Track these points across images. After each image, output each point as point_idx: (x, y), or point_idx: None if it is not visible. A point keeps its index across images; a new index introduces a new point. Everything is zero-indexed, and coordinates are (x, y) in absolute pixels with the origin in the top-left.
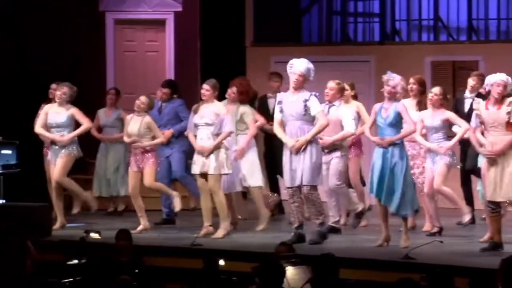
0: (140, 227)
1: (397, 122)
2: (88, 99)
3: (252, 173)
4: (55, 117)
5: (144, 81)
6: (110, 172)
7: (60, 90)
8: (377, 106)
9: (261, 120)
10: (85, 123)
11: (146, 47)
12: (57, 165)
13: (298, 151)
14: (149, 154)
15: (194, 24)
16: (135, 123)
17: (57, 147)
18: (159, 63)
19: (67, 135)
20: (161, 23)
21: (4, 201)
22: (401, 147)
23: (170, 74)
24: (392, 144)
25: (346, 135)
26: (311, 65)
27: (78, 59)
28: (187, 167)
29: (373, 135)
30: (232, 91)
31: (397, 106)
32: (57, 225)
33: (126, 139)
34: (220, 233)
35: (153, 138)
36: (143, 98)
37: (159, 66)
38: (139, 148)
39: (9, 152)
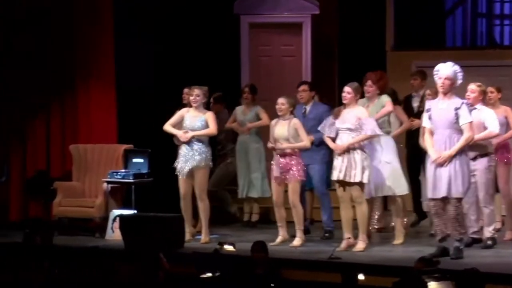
0: (279, 238)
1: None
2: (222, 105)
3: (396, 181)
4: (192, 121)
5: (279, 87)
6: (249, 174)
7: (193, 94)
8: None
9: (405, 122)
10: (212, 128)
11: (282, 51)
12: (196, 181)
13: (441, 165)
14: (295, 168)
15: (331, 27)
16: (282, 126)
17: (189, 154)
18: (295, 68)
19: (190, 133)
20: (297, 26)
21: (135, 211)
22: None
23: (306, 79)
24: None
25: (490, 135)
26: (457, 67)
27: (212, 64)
28: (328, 182)
29: None
30: (369, 84)
31: None
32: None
33: (269, 144)
34: (360, 246)
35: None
36: (281, 100)
37: (295, 71)
38: (285, 158)
39: (141, 160)
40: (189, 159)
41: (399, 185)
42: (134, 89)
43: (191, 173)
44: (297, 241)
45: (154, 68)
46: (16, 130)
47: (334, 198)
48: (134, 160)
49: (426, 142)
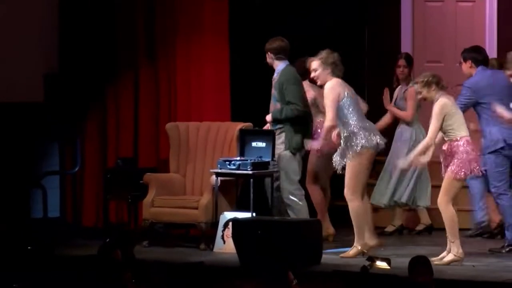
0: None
1: None
2: (378, 68)
3: None
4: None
5: (454, 44)
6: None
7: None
8: None
9: None
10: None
11: None
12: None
13: None
14: (458, 159)
15: None
16: None
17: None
18: (476, 18)
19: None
20: None
21: (254, 214)
22: None
23: (490, 34)
24: None
25: None
26: None
27: (357, 12)
28: None
29: None
30: None
31: None
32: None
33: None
34: None
35: None
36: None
37: (476, 22)
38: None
39: (262, 145)
40: None
41: None
42: (253, 47)
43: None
44: (449, 257)
45: (276, 19)
46: (94, 101)
47: None
48: (254, 144)
49: None
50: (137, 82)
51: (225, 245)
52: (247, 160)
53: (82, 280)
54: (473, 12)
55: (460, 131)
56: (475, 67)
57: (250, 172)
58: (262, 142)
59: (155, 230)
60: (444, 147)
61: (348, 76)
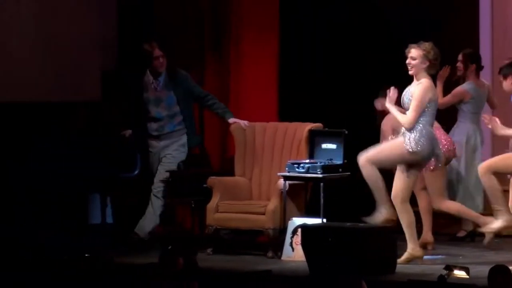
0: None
1: None
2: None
3: None
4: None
5: None
6: None
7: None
8: None
9: None
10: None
11: None
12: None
13: None
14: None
15: None
16: None
17: None
18: None
19: None
20: None
21: (325, 220)
22: None
23: None
24: None
25: None
26: None
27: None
28: None
29: None
30: None
31: None
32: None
33: None
34: None
35: None
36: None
37: None
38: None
39: (333, 146)
40: None
41: None
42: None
43: None
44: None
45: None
46: None
47: None
48: (324, 146)
49: None
50: (201, 79)
51: (294, 253)
52: (316, 163)
53: None
54: None
55: None
56: None
57: (320, 175)
58: (333, 143)
59: (219, 237)
60: None
61: None
